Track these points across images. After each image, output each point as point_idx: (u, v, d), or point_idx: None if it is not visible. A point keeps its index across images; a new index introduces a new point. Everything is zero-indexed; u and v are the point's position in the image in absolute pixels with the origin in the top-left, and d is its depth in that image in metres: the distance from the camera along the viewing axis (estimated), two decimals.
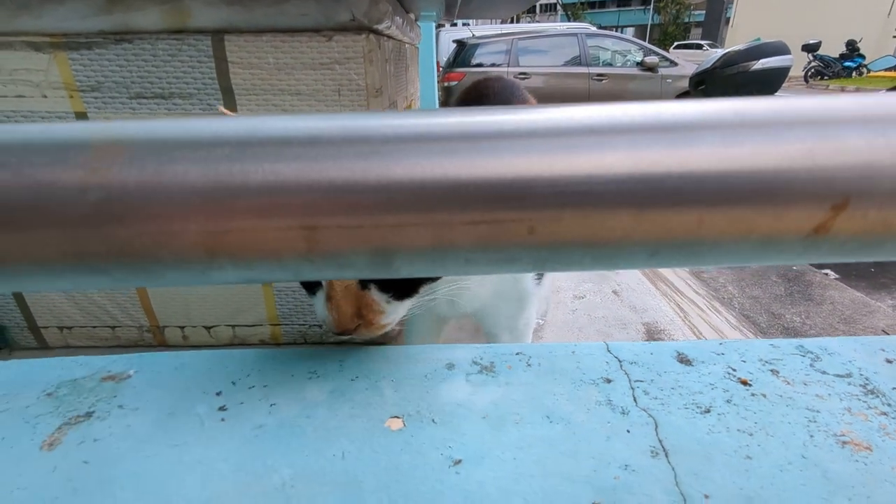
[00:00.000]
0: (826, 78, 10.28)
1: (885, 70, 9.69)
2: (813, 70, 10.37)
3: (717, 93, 3.22)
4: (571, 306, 1.43)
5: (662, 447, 0.37)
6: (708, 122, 0.19)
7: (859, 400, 0.41)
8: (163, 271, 0.21)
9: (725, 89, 3.27)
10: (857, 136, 0.18)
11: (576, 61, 5.47)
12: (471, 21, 8.51)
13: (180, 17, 0.78)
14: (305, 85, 0.82)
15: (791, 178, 0.18)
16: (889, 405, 0.40)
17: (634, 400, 0.42)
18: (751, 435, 0.38)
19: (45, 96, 0.83)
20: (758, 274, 1.90)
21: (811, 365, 0.46)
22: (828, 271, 2.03)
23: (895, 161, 0.18)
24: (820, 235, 0.19)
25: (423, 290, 0.52)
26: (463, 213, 0.19)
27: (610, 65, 5.59)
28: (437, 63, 3.05)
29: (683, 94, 5.94)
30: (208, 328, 1.14)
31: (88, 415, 0.41)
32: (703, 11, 22.41)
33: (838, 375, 0.44)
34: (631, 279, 1.60)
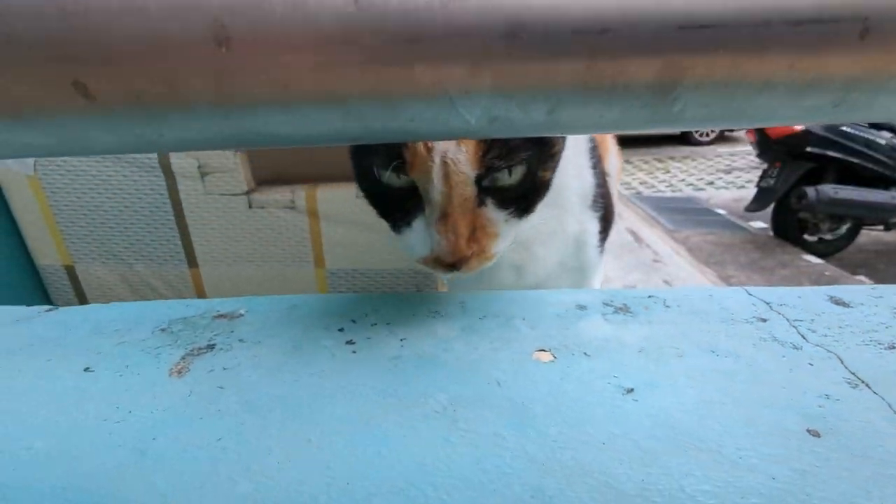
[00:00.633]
0: None
1: None
2: None
3: None
4: None
5: (858, 378, 0.33)
6: None
7: None
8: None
9: None
10: None
11: None
12: None
13: None
14: None
15: None
16: None
17: (802, 336, 0.38)
18: None
19: None
20: (787, 279, 1.83)
21: None
22: (862, 277, 1.95)
23: None
24: None
25: (538, 206, 0.46)
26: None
27: None
28: None
29: None
30: None
31: (210, 347, 0.39)
32: None
33: None
34: (681, 270, 1.55)
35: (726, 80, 0.18)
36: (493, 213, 0.42)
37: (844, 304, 0.42)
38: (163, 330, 0.41)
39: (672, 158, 6.26)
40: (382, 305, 0.44)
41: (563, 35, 0.17)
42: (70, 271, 1.11)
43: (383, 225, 0.49)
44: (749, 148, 4.38)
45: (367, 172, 0.43)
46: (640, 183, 5.35)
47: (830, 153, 3.16)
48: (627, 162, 5.96)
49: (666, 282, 1.46)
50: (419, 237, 0.42)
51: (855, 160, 3.15)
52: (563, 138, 0.46)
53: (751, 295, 0.44)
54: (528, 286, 0.74)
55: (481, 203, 0.42)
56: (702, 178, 5.57)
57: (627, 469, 0.26)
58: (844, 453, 0.27)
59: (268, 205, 1.06)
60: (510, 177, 0.41)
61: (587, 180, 0.62)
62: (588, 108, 0.19)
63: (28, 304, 0.47)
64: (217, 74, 0.17)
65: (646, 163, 6.10)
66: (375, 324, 0.41)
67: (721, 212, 4.29)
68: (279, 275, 1.15)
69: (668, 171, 5.84)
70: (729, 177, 5.63)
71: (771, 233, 3.54)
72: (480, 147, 0.38)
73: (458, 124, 0.20)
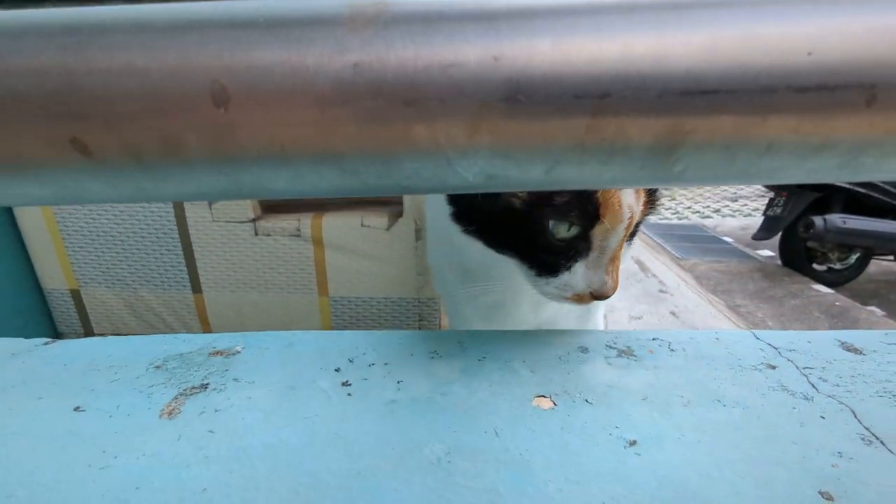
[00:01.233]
0: None
1: None
2: None
3: None
4: (629, 326, 1.37)
5: (873, 434, 0.31)
6: None
7: None
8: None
9: None
10: None
11: None
12: None
13: None
14: None
15: None
16: None
17: (813, 386, 0.37)
18: None
19: None
20: (797, 310, 1.80)
21: None
22: (874, 308, 1.91)
23: None
24: None
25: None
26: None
27: None
28: None
29: None
30: None
31: (203, 386, 0.38)
32: None
33: None
34: (688, 301, 1.53)
35: (729, 143, 0.18)
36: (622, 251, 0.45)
37: (856, 351, 0.41)
38: (157, 367, 0.40)
39: None
40: (380, 344, 0.44)
41: (563, 99, 0.17)
42: (75, 295, 1.11)
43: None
44: None
45: (531, 225, 0.43)
46: None
47: (837, 182, 3.15)
48: None
49: (673, 313, 1.44)
50: (579, 278, 0.44)
51: (862, 190, 3.14)
52: None
53: (758, 339, 0.43)
54: (544, 320, 0.73)
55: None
56: (708, 206, 5.57)
57: None
58: None
59: (273, 232, 1.06)
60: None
61: None
62: (586, 167, 0.19)
63: (33, 328, 0.47)
64: (216, 134, 0.18)
65: None
66: (372, 364, 0.40)
67: (728, 240, 4.27)
68: (283, 301, 1.15)
69: (674, 199, 5.85)
70: (735, 205, 5.62)
71: (779, 262, 3.51)
72: (647, 198, 0.44)
73: (455, 181, 0.20)
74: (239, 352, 0.43)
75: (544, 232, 0.42)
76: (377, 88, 0.17)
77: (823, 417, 0.33)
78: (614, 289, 0.43)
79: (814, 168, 0.19)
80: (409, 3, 0.17)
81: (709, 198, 5.89)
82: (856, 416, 0.33)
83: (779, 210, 3.28)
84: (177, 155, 0.18)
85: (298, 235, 1.07)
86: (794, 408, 0.34)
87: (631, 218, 0.41)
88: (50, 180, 0.19)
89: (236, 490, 0.28)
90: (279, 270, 1.11)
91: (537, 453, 0.31)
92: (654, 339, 0.44)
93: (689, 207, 5.50)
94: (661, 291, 1.80)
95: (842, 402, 0.35)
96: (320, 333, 0.46)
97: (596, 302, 0.69)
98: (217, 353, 0.43)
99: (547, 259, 0.44)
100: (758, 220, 3.53)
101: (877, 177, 0.20)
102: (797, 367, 0.39)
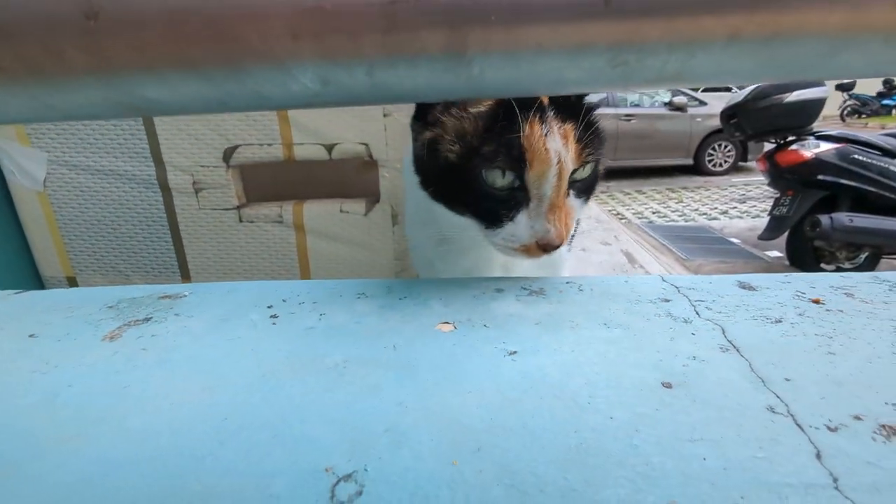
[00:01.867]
0: (864, 116, 10.05)
1: None
2: (849, 109, 10.18)
3: (749, 126, 3.14)
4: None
5: (733, 345, 0.34)
6: None
7: None
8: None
9: (758, 122, 3.19)
10: None
11: (603, 103, 5.58)
12: None
13: None
14: None
15: None
16: None
17: (697, 313, 0.40)
18: (830, 338, 0.35)
19: None
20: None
21: (890, 290, 0.42)
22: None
23: None
24: None
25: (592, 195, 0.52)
26: None
27: (638, 105, 5.67)
28: None
29: (714, 133, 5.90)
30: None
31: (147, 319, 0.42)
32: None
33: None
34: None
35: (507, 49, 0.22)
36: (573, 203, 0.48)
37: (750, 288, 0.44)
38: (110, 307, 0.45)
39: (685, 188, 6.23)
40: (316, 289, 0.48)
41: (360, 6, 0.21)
42: (72, 282, 1.17)
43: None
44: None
45: (468, 177, 0.46)
46: (653, 213, 5.34)
47: (843, 181, 3.11)
48: (640, 192, 5.95)
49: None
50: (522, 228, 0.46)
51: (868, 188, 3.10)
52: None
53: (664, 281, 0.46)
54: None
55: (567, 195, 0.47)
56: (715, 208, 5.52)
57: (484, 411, 0.29)
58: (687, 401, 0.29)
59: (257, 219, 1.12)
60: (585, 171, 0.48)
61: None
62: (399, 70, 0.23)
63: None
64: (89, 44, 0.22)
65: (658, 192, 6.09)
66: (303, 302, 0.44)
67: (735, 241, 4.23)
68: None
69: (682, 201, 5.82)
70: (743, 206, 5.56)
71: (787, 262, 3.47)
72: (578, 146, 0.45)
73: (296, 87, 0.24)
74: (185, 296, 0.47)
75: (480, 181, 0.45)
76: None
77: (694, 334, 0.36)
78: (560, 238, 0.45)
79: (590, 69, 0.23)
80: None
81: (716, 199, 5.84)
82: (724, 334, 0.36)
83: (784, 209, 3.25)
84: (62, 64, 0.22)
85: (281, 222, 1.12)
86: (670, 328, 0.37)
87: (560, 164, 0.43)
88: None
89: (153, 387, 0.32)
90: (263, 256, 1.16)
91: (425, 360, 0.34)
92: (567, 283, 0.47)
93: (696, 209, 5.47)
94: None
95: (716, 324, 0.38)
96: (263, 283, 0.50)
97: (551, 258, 0.72)
98: (166, 296, 0.47)
99: (491, 208, 0.47)
100: (766, 221, 3.50)
101: (651, 80, 0.24)
102: (689, 301, 0.42)
